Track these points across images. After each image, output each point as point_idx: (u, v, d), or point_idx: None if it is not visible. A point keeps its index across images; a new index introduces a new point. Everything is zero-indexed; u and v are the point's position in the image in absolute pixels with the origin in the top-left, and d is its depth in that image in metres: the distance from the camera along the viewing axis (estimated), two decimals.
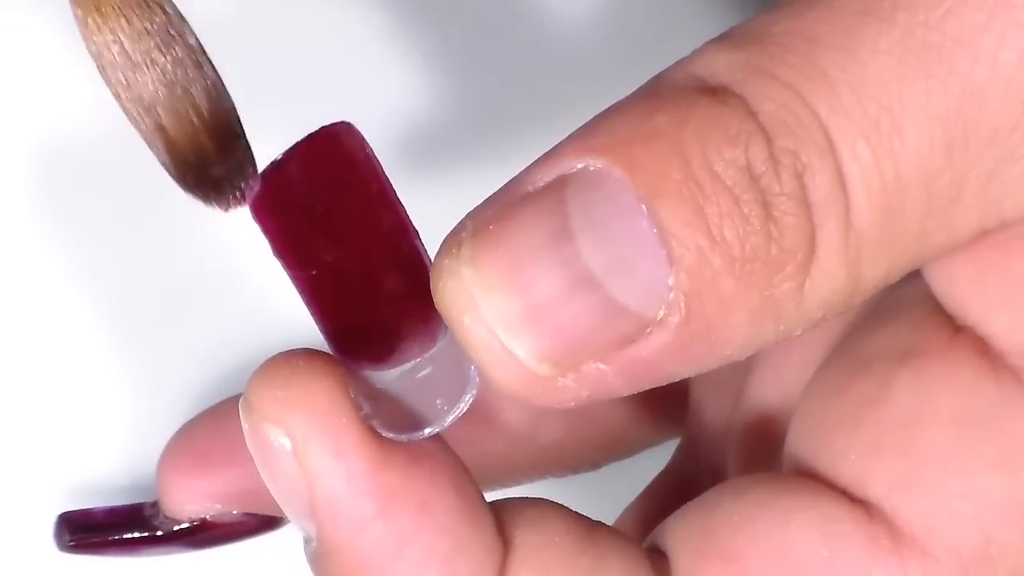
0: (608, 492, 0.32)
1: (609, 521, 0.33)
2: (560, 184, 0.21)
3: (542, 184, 0.22)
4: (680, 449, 0.32)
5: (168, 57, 0.22)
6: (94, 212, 0.33)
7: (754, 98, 0.21)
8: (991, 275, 0.24)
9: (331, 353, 0.23)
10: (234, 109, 0.22)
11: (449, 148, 0.34)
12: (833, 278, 0.22)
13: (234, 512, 0.31)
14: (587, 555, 0.25)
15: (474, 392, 0.23)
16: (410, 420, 0.23)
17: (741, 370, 0.29)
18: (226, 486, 0.30)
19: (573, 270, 0.21)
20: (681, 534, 0.25)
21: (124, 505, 0.31)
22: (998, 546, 0.24)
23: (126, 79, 0.22)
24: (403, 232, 0.23)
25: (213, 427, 0.31)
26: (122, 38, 0.22)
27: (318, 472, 0.23)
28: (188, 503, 0.30)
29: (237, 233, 0.33)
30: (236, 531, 0.31)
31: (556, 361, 0.21)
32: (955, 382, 0.24)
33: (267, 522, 0.31)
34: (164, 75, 0.22)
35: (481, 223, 0.22)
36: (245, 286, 0.34)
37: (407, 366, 0.23)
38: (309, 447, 0.23)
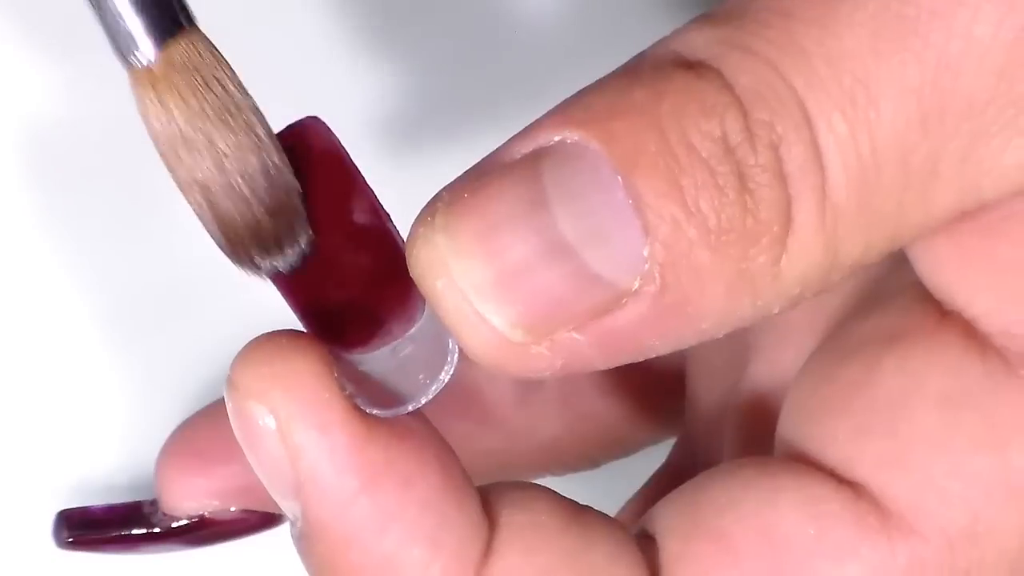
0: (607, 490, 0.32)
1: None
2: (537, 156, 0.22)
3: (519, 156, 0.22)
4: (677, 446, 0.32)
5: (227, 138, 0.22)
6: (93, 211, 0.33)
7: (730, 71, 0.21)
8: (976, 259, 0.24)
9: (307, 333, 0.24)
10: (294, 187, 0.22)
11: (422, 139, 0.34)
12: (810, 252, 0.22)
13: (232, 509, 0.31)
14: (573, 535, 0.25)
15: (454, 363, 0.23)
16: (393, 396, 0.24)
17: (737, 364, 0.29)
18: (224, 483, 0.30)
19: (547, 237, 0.21)
20: (668, 516, 0.25)
21: (123, 503, 0.31)
22: (985, 524, 0.24)
23: (182, 158, 0.22)
24: (375, 217, 0.23)
25: (211, 424, 0.31)
26: (179, 118, 0.22)
27: (302, 448, 0.23)
28: (186, 500, 0.30)
29: None
30: (235, 528, 0.31)
31: (529, 328, 0.21)
32: (941, 363, 0.24)
33: (266, 519, 0.31)
34: (221, 157, 0.22)
35: (456, 193, 0.22)
36: (242, 285, 0.34)
37: (388, 347, 0.23)
38: (293, 423, 0.23)
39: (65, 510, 0.31)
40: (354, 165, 0.23)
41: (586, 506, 0.26)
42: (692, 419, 0.31)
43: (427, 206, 0.22)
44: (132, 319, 0.33)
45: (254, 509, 0.31)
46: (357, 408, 0.23)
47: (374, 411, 0.23)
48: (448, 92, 0.34)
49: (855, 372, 0.25)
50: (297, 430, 0.23)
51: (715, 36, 0.22)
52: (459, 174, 0.22)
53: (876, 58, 0.21)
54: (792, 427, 0.26)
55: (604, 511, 0.32)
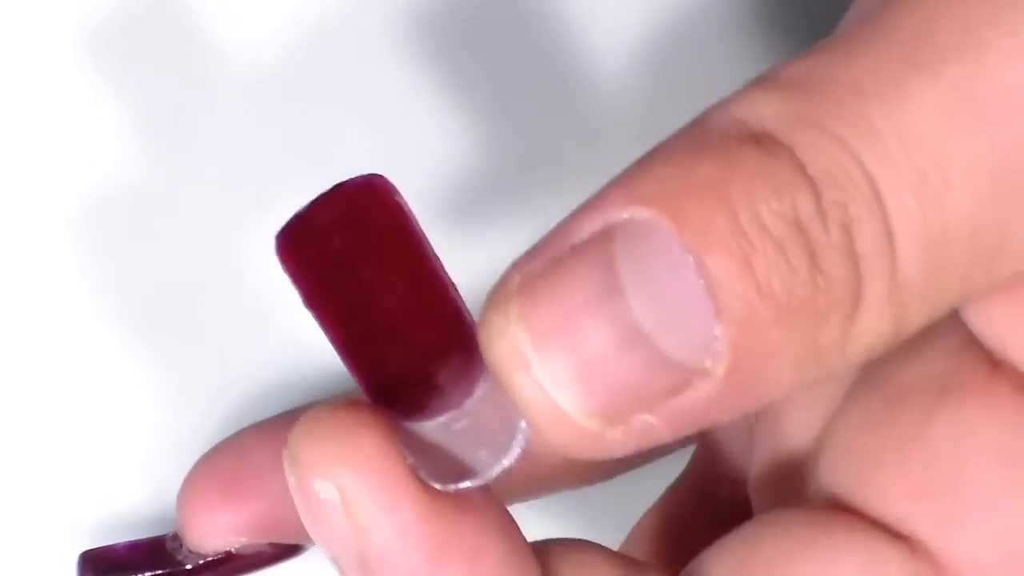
0: (623, 500, 0.32)
1: (625, 528, 0.33)
2: (607, 235, 0.21)
3: (588, 235, 0.21)
4: (696, 457, 0.33)
5: None
6: (119, 236, 0.33)
7: (801, 149, 0.21)
8: None
9: (369, 403, 0.23)
10: None
11: (485, 200, 0.34)
12: (878, 326, 0.22)
13: (259, 542, 0.31)
14: None
15: (522, 444, 0.23)
16: (455, 470, 0.23)
17: None
18: (250, 518, 0.30)
19: (623, 327, 0.21)
20: (722, 572, 0.25)
21: (145, 539, 0.31)
22: None
23: None
24: (436, 283, 0.23)
25: (233, 457, 0.30)
26: None
27: (368, 525, 0.23)
28: (212, 538, 0.30)
29: (263, 264, 0.33)
30: (260, 560, 0.31)
31: (606, 416, 0.21)
32: (997, 419, 0.24)
33: (290, 549, 0.31)
34: None
35: (529, 277, 0.22)
36: (266, 317, 0.33)
37: (443, 419, 0.23)
38: (359, 501, 0.23)
39: (88, 551, 0.31)
40: (419, 227, 0.23)
41: (638, 560, 0.26)
42: (711, 431, 0.31)
43: (499, 289, 0.22)
44: (155, 348, 0.33)
45: (281, 542, 0.31)
46: (421, 482, 0.23)
47: (436, 485, 0.23)
48: (506, 150, 0.34)
49: (906, 424, 0.25)
50: (364, 509, 0.23)
51: (782, 107, 0.22)
52: (527, 246, 0.22)
53: (949, 137, 0.21)
54: (839, 476, 0.26)
55: (619, 522, 0.32)
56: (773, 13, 0.35)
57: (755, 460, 0.29)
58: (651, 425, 0.22)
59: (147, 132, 0.32)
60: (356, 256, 0.23)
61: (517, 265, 0.22)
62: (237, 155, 0.32)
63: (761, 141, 0.21)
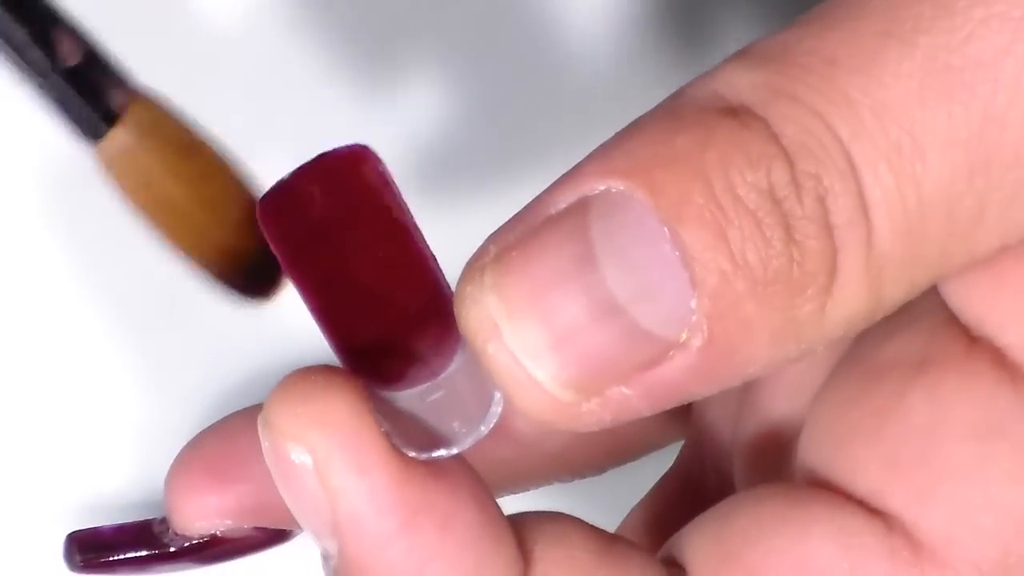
0: (613, 494, 0.32)
1: (615, 523, 0.33)
2: (582, 207, 0.21)
3: (564, 206, 0.22)
4: (685, 450, 0.32)
5: None
6: (102, 223, 0.33)
7: (776, 120, 0.21)
8: (1008, 286, 0.24)
9: (344, 370, 0.23)
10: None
11: (465, 168, 0.34)
12: (855, 299, 0.22)
13: (245, 526, 0.31)
14: (607, 568, 0.25)
15: (496, 415, 0.23)
16: (428, 439, 0.23)
17: None
18: (237, 502, 0.30)
19: (597, 297, 0.21)
20: (698, 546, 0.25)
21: (133, 522, 0.31)
22: (1017, 557, 0.24)
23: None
24: (416, 253, 0.23)
25: (220, 441, 0.31)
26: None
27: (340, 489, 0.23)
28: (198, 520, 0.30)
29: None
30: (247, 545, 0.31)
31: (580, 387, 0.22)
32: (972, 393, 0.24)
33: (277, 535, 0.31)
34: None
35: (504, 248, 0.22)
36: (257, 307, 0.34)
37: (423, 387, 0.23)
38: (331, 464, 0.23)
39: (75, 532, 0.31)
40: (401, 198, 0.23)
41: (617, 536, 0.26)
42: (699, 425, 0.31)
43: (474, 260, 0.22)
44: (140, 334, 0.33)
45: (268, 526, 0.31)
46: (395, 448, 0.23)
47: (410, 453, 0.23)
48: (488, 124, 0.34)
49: (883, 399, 0.25)
50: (336, 471, 0.23)
51: (758, 80, 0.22)
52: (504, 219, 0.22)
53: (923, 109, 0.21)
54: (817, 451, 0.26)
55: (610, 514, 0.32)
56: None
57: (740, 442, 0.29)
58: (628, 397, 0.22)
59: None
60: (336, 223, 0.23)
61: (493, 237, 0.22)
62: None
63: (737, 113, 0.22)
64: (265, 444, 0.23)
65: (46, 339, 0.33)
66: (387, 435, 0.23)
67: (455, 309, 0.22)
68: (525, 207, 0.22)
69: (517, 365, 0.21)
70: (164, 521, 0.31)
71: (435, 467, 0.23)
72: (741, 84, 0.22)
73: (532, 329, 0.21)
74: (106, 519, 0.32)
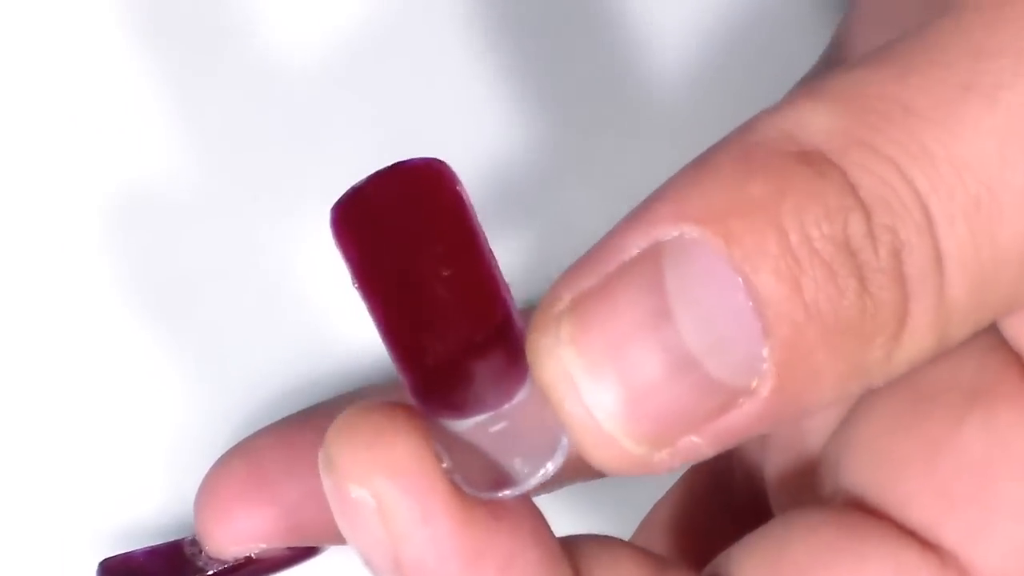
0: (631, 493, 0.33)
1: (634, 522, 0.33)
2: (655, 253, 0.21)
3: (636, 252, 0.22)
4: None
5: None
6: (136, 246, 0.33)
7: (854, 171, 0.21)
8: None
9: (408, 405, 0.23)
10: None
11: (532, 195, 0.33)
12: (922, 344, 0.22)
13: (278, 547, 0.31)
14: None
15: (563, 459, 0.23)
16: (491, 477, 0.23)
17: None
18: (270, 524, 0.30)
19: (674, 352, 0.21)
20: (749, 571, 0.26)
21: (163, 544, 0.31)
22: None
23: None
24: (489, 279, 0.23)
25: (249, 462, 0.30)
26: None
27: (404, 535, 0.23)
28: (231, 544, 0.30)
29: (283, 266, 0.33)
30: (279, 563, 0.31)
31: (653, 441, 0.22)
32: None
33: (308, 551, 0.31)
34: None
35: (579, 297, 0.22)
36: (284, 319, 0.33)
37: (480, 419, 0.23)
38: (395, 509, 0.23)
39: (107, 559, 0.31)
40: (477, 219, 0.23)
41: (666, 558, 0.26)
42: None
43: (548, 307, 0.22)
44: (172, 352, 0.33)
45: (300, 545, 0.31)
46: (457, 488, 0.23)
47: (471, 492, 0.23)
48: (564, 152, 0.34)
49: (935, 427, 0.25)
50: (400, 518, 0.23)
51: (834, 125, 0.22)
52: (577, 260, 0.22)
53: (1003, 166, 0.22)
54: (866, 476, 0.26)
55: (629, 515, 0.32)
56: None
57: (770, 452, 0.29)
58: (697, 444, 0.22)
59: (182, 129, 0.32)
60: (413, 236, 0.22)
61: (565, 281, 0.22)
62: (270, 152, 0.32)
63: (812, 160, 0.21)
64: (327, 483, 0.23)
65: (76, 360, 0.32)
66: (448, 472, 0.23)
67: (529, 356, 0.22)
68: (596, 247, 0.22)
69: (592, 420, 0.21)
70: (195, 542, 0.31)
71: (497, 506, 0.24)
72: (815, 127, 0.22)
73: (610, 387, 0.21)
74: (136, 542, 0.32)
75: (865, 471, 0.26)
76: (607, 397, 0.21)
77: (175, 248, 0.33)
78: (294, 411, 0.32)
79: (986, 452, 0.24)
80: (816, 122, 0.22)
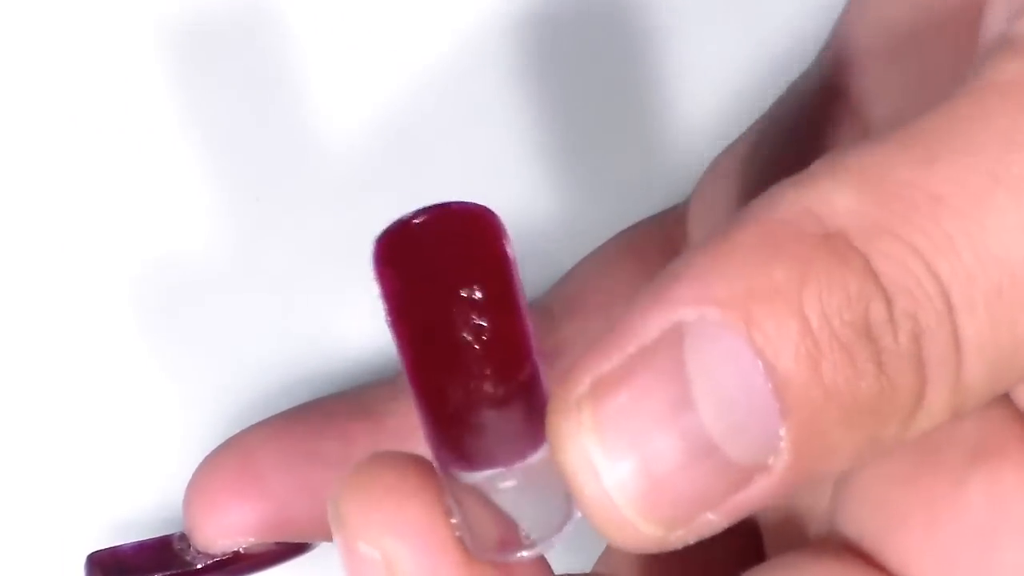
0: None
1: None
2: (676, 335, 0.21)
3: (657, 334, 0.21)
4: None
5: None
6: (127, 237, 0.32)
7: (877, 259, 0.21)
8: None
9: (419, 456, 0.23)
10: None
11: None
12: (936, 419, 0.22)
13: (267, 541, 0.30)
14: None
15: (571, 531, 0.23)
16: (496, 535, 0.23)
17: None
18: (259, 519, 0.30)
19: (694, 439, 0.21)
20: None
21: (152, 539, 0.31)
22: None
23: None
24: (521, 331, 0.22)
25: (238, 457, 0.30)
26: None
27: None
28: (220, 539, 0.30)
29: (271, 264, 0.33)
30: (268, 559, 0.31)
31: (670, 523, 0.22)
32: None
33: (298, 547, 0.31)
34: None
35: (599, 382, 0.21)
36: (272, 316, 0.33)
37: (491, 473, 0.23)
38: (403, 568, 0.23)
39: (95, 552, 0.31)
40: (518, 274, 0.22)
41: None
42: None
43: (569, 390, 0.22)
44: (161, 349, 0.33)
45: (289, 541, 0.31)
46: (464, 547, 0.23)
47: (477, 553, 0.23)
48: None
49: (939, 484, 0.25)
50: (407, 574, 0.23)
51: (858, 208, 0.22)
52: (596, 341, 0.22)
53: None
54: (862, 525, 0.26)
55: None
56: None
57: None
58: (712, 521, 0.22)
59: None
60: (454, 279, 0.22)
61: (586, 363, 0.22)
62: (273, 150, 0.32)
63: (834, 244, 0.21)
64: (337, 537, 0.23)
65: (63, 357, 0.32)
66: (457, 530, 0.23)
67: (549, 438, 0.22)
68: (616, 328, 0.22)
69: (610, 503, 0.22)
70: (184, 537, 0.31)
71: (504, 566, 0.24)
72: (839, 207, 0.22)
73: (631, 476, 0.21)
74: (125, 536, 0.32)
75: (864, 517, 0.26)
76: (626, 483, 0.21)
77: (174, 248, 0.33)
78: (286, 407, 0.32)
79: (990, 517, 0.25)
80: (840, 202, 0.22)
